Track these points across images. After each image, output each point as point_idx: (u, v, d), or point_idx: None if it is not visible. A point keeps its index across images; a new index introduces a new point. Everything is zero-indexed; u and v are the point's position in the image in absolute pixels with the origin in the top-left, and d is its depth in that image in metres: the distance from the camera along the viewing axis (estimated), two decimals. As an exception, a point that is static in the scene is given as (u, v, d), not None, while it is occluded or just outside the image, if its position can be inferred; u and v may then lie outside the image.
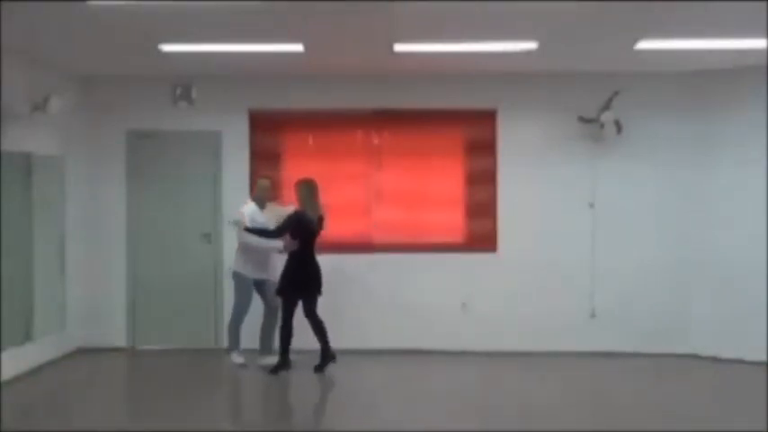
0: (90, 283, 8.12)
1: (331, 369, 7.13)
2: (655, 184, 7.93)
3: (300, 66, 7.50)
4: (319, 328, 7.11)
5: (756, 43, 6.45)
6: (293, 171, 8.04)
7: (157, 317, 8.17)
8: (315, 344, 7.10)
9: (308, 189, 7.05)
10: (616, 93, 7.63)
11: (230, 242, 8.09)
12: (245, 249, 7.24)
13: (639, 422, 5.82)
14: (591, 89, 7.81)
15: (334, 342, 7.13)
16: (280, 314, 7.15)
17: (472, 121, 8.13)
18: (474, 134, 8.16)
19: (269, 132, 8.20)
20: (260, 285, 7.36)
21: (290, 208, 7.22)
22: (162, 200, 8.19)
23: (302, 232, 6.99)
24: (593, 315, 7.98)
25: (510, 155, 8.06)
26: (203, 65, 7.55)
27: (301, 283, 7.05)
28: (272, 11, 5.46)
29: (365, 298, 7.99)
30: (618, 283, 7.94)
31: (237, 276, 7.32)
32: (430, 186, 8.14)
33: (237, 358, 7.37)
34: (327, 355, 7.13)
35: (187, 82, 8.06)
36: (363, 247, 8.08)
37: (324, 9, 5.40)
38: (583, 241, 7.96)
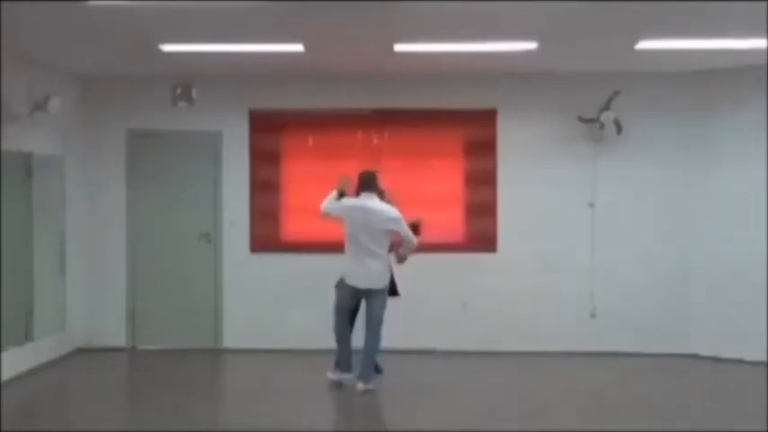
0: (90, 283, 8.13)
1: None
2: (655, 183, 7.93)
3: (300, 66, 7.50)
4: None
5: (756, 43, 6.45)
6: (293, 171, 8.08)
7: (157, 317, 8.17)
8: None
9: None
10: (616, 93, 7.63)
11: (230, 242, 8.13)
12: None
13: (640, 422, 5.82)
14: (591, 89, 7.81)
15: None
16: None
17: (472, 121, 8.12)
18: (474, 134, 8.15)
19: (269, 132, 8.19)
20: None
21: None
22: (162, 200, 8.19)
23: None
24: (593, 315, 7.98)
25: (510, 155, 8.06)
26: (203, 65, 7.55)
27: None
28: (272, 11, 5.46)
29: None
30: (618, 283, 7.94)
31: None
32: (430, 186, 8.13)
33: None
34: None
35: (187, 82, 8.06)
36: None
37: (324, 9, 5.40)
38: (583, 241, 7.96)
